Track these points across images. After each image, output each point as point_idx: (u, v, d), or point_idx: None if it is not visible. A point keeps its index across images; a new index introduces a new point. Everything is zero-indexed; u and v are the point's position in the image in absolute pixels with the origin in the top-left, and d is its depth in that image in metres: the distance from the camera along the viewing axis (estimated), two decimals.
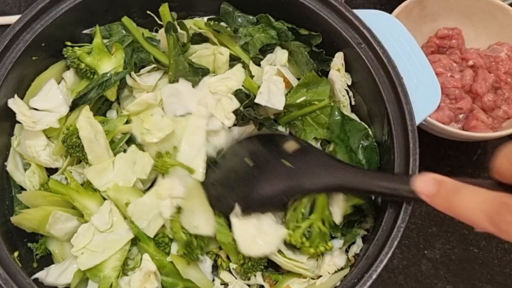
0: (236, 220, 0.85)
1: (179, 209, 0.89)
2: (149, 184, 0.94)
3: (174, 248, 0.91)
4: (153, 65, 1.00)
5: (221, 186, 0.90)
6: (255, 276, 0.89)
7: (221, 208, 0.88)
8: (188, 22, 1.02)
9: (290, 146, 0.89)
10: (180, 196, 0.87)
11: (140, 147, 0.94)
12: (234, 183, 0.89)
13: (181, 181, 0.89)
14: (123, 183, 0.90)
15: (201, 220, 0.87)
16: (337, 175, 0.82)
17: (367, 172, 0.84)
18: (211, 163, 0.91)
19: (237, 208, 0.86)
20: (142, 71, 1.01)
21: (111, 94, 0.98)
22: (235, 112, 0.96)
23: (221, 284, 0.92)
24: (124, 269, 0.89)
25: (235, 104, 0.95)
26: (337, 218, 0.87)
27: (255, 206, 0.87)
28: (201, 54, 1.02)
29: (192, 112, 0.94)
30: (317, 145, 0.99)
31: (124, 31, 1.00)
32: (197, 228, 0.87)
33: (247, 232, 0.85)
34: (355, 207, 0.86)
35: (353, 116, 0.97)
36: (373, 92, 0.90)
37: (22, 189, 0.94)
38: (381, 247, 0.77)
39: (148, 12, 1.01)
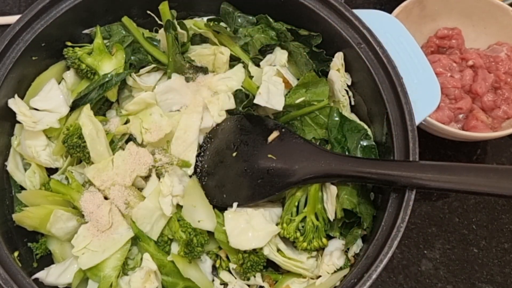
0: (228, 214, 0.87)
1: (178, 208, 0.90)
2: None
3: (174, 248, 0.91)
4: (153, 65, 1.01)
5: (212, 180, 0.92)
6: (254, 276, 0.89)
7: (217, 203, 0.90)
8: (188, 23, 1.02)
9: (272, 135, 0.91)
10: (179, 194, 0.88)
11: (138, 143, 0.94)
12: (222, 177, 0.92)
13: (179, 180, 0.90)
14: (122, 181, 0.90)
15: (203, 214, 0.88)
16: (321, 163, 0.84)
17: (353, 159, 0.85)
18: (201, 151, 0.95)
19: (232, 203, 0.88)
20: (141, 71, 1.01)
21: (112, 94, 0.98)
22: (229, 111, 0.97)
23: (221, 284, 0.92)
24: (124, 268, 0.89)
25: (231, 104, 0.97)
26: (331, 214, 0.87)
27: (243, 199, 0.88)
28: (201, 53, 1.02)
29: (187, 105, 0.96)
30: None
31: (124, 32, 1.00)
32: (200, 222, 0.88)
33: (238, 226, 0.86)
34: (348, 211, 0.86)
35: (353, 116, 0.98)
36: (373, 92, 0.90)
37: (23, 188, 0.94)
38: (381, 247, 0.77)
39: (148, 12, 1.01)
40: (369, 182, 0.86)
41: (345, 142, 0.94)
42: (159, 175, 0.92)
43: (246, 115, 0.97)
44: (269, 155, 0.89)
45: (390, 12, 1.09)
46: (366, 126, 0.95)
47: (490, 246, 1.12)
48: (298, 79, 1.00)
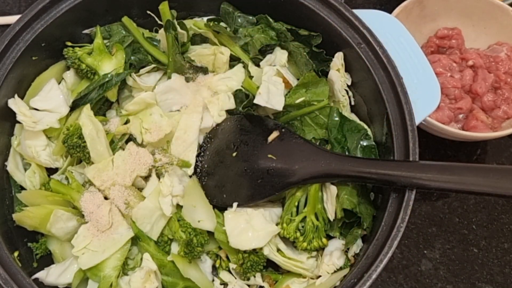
0: (228, 214, 0.87)
1: (178, 208, 0.90)
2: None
3: (174, 248, 0.91)
4: (153, 65, 1.01)
5: (212, 180, 0.93)
6: (254, 276, 0.89)
7: (217, 203, 0.91)
8: (188, 23, 1.03)
9: (272, 135, 0.91)
10: (179, 194, 0.88)
11: (138, 143, 0.94)
12: (222, 177, 0.92)
13: (179, 180, 0.90)
14: (122, 181, 0.90)
15: (203, 214, 0.88)
16: (321, 163, 0.84)
17: (353, 159, 0.85)
18: (201, 151, 0.95)
19: (232, 203, 0.88)
20: (141, 71, 1.01)
21: (112, 95, 0.98)
22: (229, 111, 0.97)
23: (221, 284, 0.92)
24: (124, 268, 0.89)
25: (231, 104, 0.97)
26: (331, 214, 0.87)
27: (243, 199, 0.88)
28: (201, 53, 1.02)
29: (187, 105, 0.96)
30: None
31: (124, 32, 1.00)
32: (200, 222, 0.88)
33: (238, 226, 0.86)
34: (348, 211, 0.86)
35: (353, 116, 0.98)
36: (373, 92, 0.90)
37: (23, 188, 0.94)
38: (381, 247, 0.77)
39: (148, 12, 1.01)
40: (369, 182, 0.86)
41: (345, 142, 0.94)
42: (159, 175, 0.93)
43: (246, 115, 0.97)
44: (269, 155, 0.89)
45: (390, 12, 1.09)
46: (366, 126, 0.95)
47: (490, 246, 1.12)
48: (298, 79, 1.00)
